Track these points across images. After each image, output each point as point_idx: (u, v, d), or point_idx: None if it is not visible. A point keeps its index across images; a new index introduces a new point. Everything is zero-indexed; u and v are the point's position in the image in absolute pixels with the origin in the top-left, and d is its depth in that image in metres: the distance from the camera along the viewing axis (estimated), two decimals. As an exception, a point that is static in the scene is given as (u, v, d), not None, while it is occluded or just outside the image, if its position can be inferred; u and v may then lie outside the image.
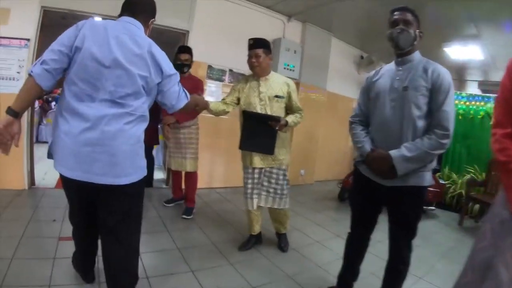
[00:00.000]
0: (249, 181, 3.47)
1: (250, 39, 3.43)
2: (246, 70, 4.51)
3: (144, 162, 2.06)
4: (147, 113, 2.04)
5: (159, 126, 5.49)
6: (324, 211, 5.66)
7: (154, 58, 1.94)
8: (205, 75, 5.83)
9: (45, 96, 10.00)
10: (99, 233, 2.22)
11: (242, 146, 3.33)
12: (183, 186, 4.88)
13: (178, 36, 5.84)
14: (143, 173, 2.03)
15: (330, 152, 8.43)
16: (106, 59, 1.80)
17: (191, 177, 4.65)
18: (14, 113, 1.76)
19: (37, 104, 9.41)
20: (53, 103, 10.61)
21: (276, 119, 3.20)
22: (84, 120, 1.77)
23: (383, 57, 7.74)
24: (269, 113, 3.32)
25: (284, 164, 3.48)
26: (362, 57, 8.80)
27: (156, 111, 4.50)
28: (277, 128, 3.19)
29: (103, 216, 2.02)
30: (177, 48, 4.47)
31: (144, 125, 2.02)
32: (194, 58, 4.58)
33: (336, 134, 8.50)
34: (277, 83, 3.44)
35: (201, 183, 5.11)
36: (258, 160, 3.38)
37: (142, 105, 1.96)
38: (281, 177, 3.44)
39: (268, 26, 6.52)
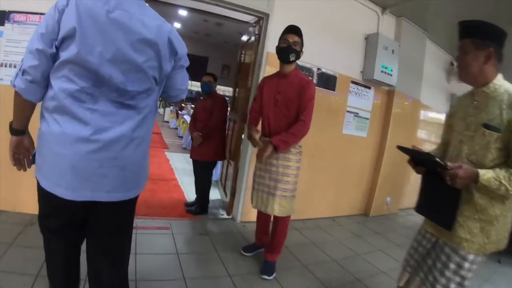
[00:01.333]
0: (412, 249, 2.22)
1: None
2: (337, 71, 4.24)
3: (149, 164, 1.84)
4: (157, 109, 1.78)
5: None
6: None
7: (170, 41, 1.61)
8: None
9: None
10: (89, 263, 1.80)
11: (417, 208, 2.17)
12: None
13: (242, 29, 5.03)
14: (147, 178, 1.83)
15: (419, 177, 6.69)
16: (108, 50, 1.45)
17: (281, 222, 3.23)
18: (18, 131, 1.61)
19: None
20: None
21: (442, 166, 1.72)
22: (85, 126, 1.47)
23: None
24: (463, 155, 1.86)
25: (466, 248, 1.83)
26: (452, 64, 7.24)
27: (224, 121, 4.55)
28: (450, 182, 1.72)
29: (98, 237, 1.75)
30: (285, 29, 3.17)
31: (154, 120, 1.76)
32: (272, 50, 3.69)
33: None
34: (497, 101, 1.73)
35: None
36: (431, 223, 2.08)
37: (154, 103, 1.70)
38: (452, 265, 1.86)
39: (360, 17, 5.12)
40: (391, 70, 5.18)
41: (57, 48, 1.44)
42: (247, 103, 4.21)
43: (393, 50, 5.19)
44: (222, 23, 20.17)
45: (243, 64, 4.96)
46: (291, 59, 3.02)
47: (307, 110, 2.95)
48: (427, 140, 6.93)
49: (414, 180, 6.27)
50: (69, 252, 1.77)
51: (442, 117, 7.14)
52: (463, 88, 2.06)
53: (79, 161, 1.48)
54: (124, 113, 1.55)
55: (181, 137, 11.63)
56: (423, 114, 6.55)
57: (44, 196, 1.56)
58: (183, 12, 19.87)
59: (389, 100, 5.53)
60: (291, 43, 3.00)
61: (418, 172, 2.15)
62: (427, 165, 1.99)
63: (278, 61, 3.15)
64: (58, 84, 1.45)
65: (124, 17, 1.47)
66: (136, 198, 1.78)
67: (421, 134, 6.72)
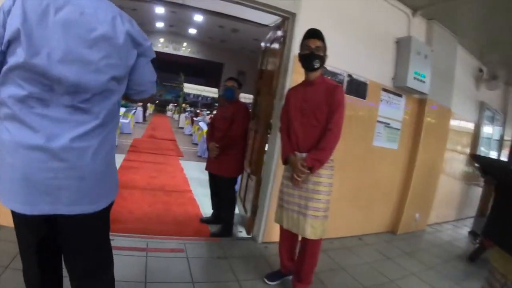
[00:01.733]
0: None
1: None
2: (368, 77, 4.02)
3: (117, 173, 1.67)
4: (118, 112, 1.59)
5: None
6: (448, 273, 3.98)
7: (128, 34, 1.46)
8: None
9: None
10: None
11: (484, 232, 2.21)
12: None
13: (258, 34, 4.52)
14: (117, 188, 1.65)
15: (448, 190, 6.35)
16: (56, 50, 1.29)
17: (311, 246, 2.81)
18: None
19: None
20: None
21: None
22: (35, 133, 1.33)
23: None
24: None
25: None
26: (480, 70, 6.80)
27: (246, 132, 4.13)
28: None
29: (69, 257, 1.60)
30: (305, 34, 2.87)
31: (116, 127, 1.60)
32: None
33: (454, 164, 6.56)
34: None
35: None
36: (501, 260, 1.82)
37: (113, 107, 1.50)
38: None
39: (390, 19, 4.65)
40: (424, 77, 4.71)
41: (4, 53, 1.32)
42: (270, 111, 3.83)
43: (426, 55, 4.72)
44: (238, 29, 20.15)
45: (265, 69, 4.55)
46: (315, 66, 2.75)
47: (336, 117, 2.64)
48: (456, 151, 6.46)
49: (442, 193, 5.90)
50: (46, 278, 1.65)
51: (471, 126, 6.71)
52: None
53: (31, 172, 1.35)
54: (78, 118, 1.40)
55: (196, 144, 11.26)
56: (454, 124, 6.08)
57: (12, 213, 1.46)
58: (198, 18, 19.89)
59: (420, 109, 5.07)
60: (313, 49, 2.72)
61: (488, 182, 1.86)
62: (503, 177, 1.70)
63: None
64: (6, 90, 1.33)
65: (74, 12, 1.34)
66: (105, 212, 1.59)
67: (452, 145, 6.23)
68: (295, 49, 3.59)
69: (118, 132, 9.37)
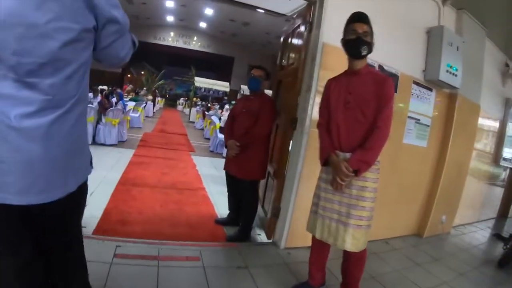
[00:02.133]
0: None
1: None
2: (398, 69, 3.81)
3: (85, 162, 1.46)
4: (82, 89, 1.32)
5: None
6: (479, 280, 3.68)
7: None
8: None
9: (104, 91, 8.41)
10: None
11: None
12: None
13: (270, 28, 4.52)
14: (85, 174, 1.47)
15: (472, 191, 5.89)
16: None
17: (354, 258, 2.49)
18: None
19: (95, 101, 8.29)
20: (114, 99, 8.84)
21: None
22: None
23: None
24: None
25: None
26: (507, 65, 6.32)
27: (271, 130, 3.66)
28: None
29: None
30: (350, 17, 2.53)
31: (82, 109, 1.35)
32: (328, 40, 3.22)
33: (478, 164, 6.14)
34: None
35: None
36: None
37: (70, 81, 1.25)
38: None
39: (420, 8, 4.24)
40: (456, 70, 4.28)
41: None
42: (295, 104, 3.43)
43: (457, 47, 4.30)
44: (249, 23, 19.87)
45: (287, 60, 4.12)
46: (363, 53, 2.36)
47: (385, 113, 2.29)
48: (481, 150, 6.04)
49: (466, 194, 5.50)
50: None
51: (496, 124, 6.29)
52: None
53: None
54: (25, 95, 1.17)
55: (208, 138, 10.92)
56: (482, 121, 5.67)
57: None
58: (209, 11, 19.56)
59: (450, 105, 4.65)
60: (360, 33, 2.34)
61: None
62: None
63: (337, 53, 2.63)
64: None
65: None
66: (62, 203, 1.34)
67: (478, 143, 5.81)
68: (324, 36, 3.24)
69: (128, 127, 9.03)
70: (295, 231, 3.41)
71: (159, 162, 6.82)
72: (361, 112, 2.33)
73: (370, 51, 2.38)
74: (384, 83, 2.31)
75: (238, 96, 20.26)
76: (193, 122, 16.24)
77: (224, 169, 3.83)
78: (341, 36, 2.49)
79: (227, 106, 13.71)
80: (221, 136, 9.01)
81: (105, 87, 14.54)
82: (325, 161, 2.47)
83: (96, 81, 17.91)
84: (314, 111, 3.25)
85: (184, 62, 26.51)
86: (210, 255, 3.10)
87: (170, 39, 25.68)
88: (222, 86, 21.09)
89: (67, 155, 1.32)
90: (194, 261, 2.95)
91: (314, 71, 3.23)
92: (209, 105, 16.55)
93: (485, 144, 6.18)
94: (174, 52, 26.49)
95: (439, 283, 3.36)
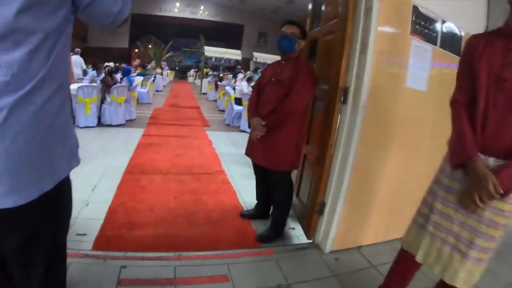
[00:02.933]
0: None
1: None
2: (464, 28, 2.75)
3: (69, 149, 1.22)
4: (54, 66, 1.06)
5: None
6: None
7: None
8: (409, 26, 2.53)
9: (107, 68, 7.62)
10: None
11: None
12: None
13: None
14: (66, 168, 1.21)
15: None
16: None
17: None
18: None
19: (98, 78, 7.55)
20: (119, 75, 8.04)
21: None
22: None
23: None
24: None
25: None
26: None
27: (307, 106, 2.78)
28: None
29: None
30: None
31: (52, 89, 1.07)
32: None
33: None
34: None
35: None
36: None
37: (30, 57, 0.98)
38: None
39: None
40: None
41: None
42: (343, 69, 2.51)
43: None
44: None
45: (327, 10, 3.04)
46: None
47: None
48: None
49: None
50: None
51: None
52: None
53: None
54: None
55: (223, 110, 10.10)
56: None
57: None
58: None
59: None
60: None
61: None
62: None
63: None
64: None
65: None
66: (35, 207, 1.08)
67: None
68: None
69: (136, 103, 8.24)
70: (344, 232, 2.67)
71: (171, 142, 6.06)
72: None
73: None
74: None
75: (251, 65, 19.26)
76: (205, 94, 15.39)
77: (247, 154, 3.01)
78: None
79: (241, 75, 12.80)
80: (237, 108, 8.25)
81: (111, 64, 13.81)
82: (462, 163, 1.60)
83: (104, 59, 17.38)
84: (371, 79, 2.40)
85: (192, 33, 25.55)
86: (241, 271, 2.35)
87: (176, 9, 24.83)
88: (234, 54, 19.99)
89: (36, 146, 1.07)
90: (221, 282, 2.22)
91: (371, 24, 2.33)
92: (221, 75, 15.66)
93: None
94: (181, 23, 25.62)
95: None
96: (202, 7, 25.00)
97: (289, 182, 2.95)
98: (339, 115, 2.58)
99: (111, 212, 3.13)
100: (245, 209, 3.47)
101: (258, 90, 2.89)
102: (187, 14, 25.09)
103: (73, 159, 1.25)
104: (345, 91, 2.50)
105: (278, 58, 2.98)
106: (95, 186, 3.66)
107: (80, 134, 5.54)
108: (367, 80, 2.37)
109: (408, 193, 2.55)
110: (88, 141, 5.58)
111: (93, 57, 15.46)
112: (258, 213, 3.27)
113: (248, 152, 2.97)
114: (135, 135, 6.28)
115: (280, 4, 20.50)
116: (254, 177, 3.18)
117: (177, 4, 24.65)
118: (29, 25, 0.96)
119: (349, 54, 2.49)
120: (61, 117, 1.14)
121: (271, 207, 3.15)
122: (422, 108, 2.68)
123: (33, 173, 1.07)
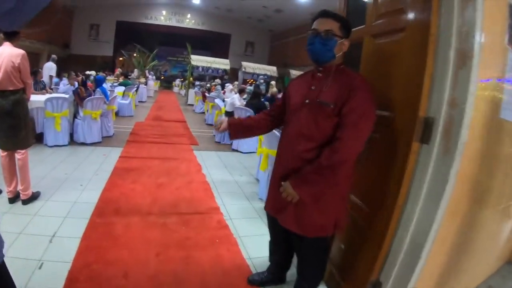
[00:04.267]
0: None
1: None
2: None
3: None
4: None
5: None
6: None
7: None
8: (505, 31, 1.64)
9: (81, 77, 6.59)
10: None
11: None
12: None
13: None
14: None
15: None
16: None
17: None
18: None
19: (70, 90, 6.76)
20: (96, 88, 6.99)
21: None
22: None
23: None
24: None
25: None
26: None
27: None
28: None
29: None
30: None
31: None
32: None
33: None
34: None
35: None
36: None
37: None
38: None
39: None
40: None
41: None
42: (419, 91, 1.55)
43: None
44: (244, -4, 17.97)
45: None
46: None
47: None
48: None
49: None
50: None
51: None
52: None
53: None
54: None
55: (211, 125, 9.07)
56: None
57: None
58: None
59: None
60: None
61: None
62: None
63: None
64: None
65: None
66: None
67: None
68: None
69: (114, 117, 7.13)
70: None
71: (153, 166, 5.01)
72: None
73: None
74: None
75: (239, 74, 18.16)
76: (191, 105, 14.32)
77: (270, 213, 2.05)
78: None
79: (230, 86, 11.81)
80: (227, 122, 7.24)
81: (92, 72, 12.69)
82: None
83: (87, 67, 16.42)
84: (476, 109, 1.44)
85: (178, 42, 24.68)
86: None
87: (162, 17, 24.02)
88: (222, 63, 18.83)
89: None
90: None
91: (476, 18, 1.38)
92: (208, 85, 14.60)
93: None
94: (167, 32, 24.89)
95: None
96: (188, 15, 24.20)
97: (326, 249, 2.01)
98: (415, 161, 1.61)
99: (71, 279, 2.20)
100: (252, 268, 2.53)
101: (278, 113, 1.96)
102: (173, 22, 24.31)
103: None
104: (428, 124, 1.54)
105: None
106: (53, 236, 2.71)
107: (48, 155, 4.45)
108: (470, 110, 1.41)
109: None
110: (56, 164, 4.56)
111: (76, 65, 14.62)
112: (271, 278, 2.35)
113: (273, 211, 1.99)
114: (111, 156, 5.23)
115: (268, 13, 19.81)
116: (257, 216, 2.26)
117: (164, 12, 23.80)
118: None
119: (431, 67, 1.53)
120: None
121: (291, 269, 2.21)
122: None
123: None
